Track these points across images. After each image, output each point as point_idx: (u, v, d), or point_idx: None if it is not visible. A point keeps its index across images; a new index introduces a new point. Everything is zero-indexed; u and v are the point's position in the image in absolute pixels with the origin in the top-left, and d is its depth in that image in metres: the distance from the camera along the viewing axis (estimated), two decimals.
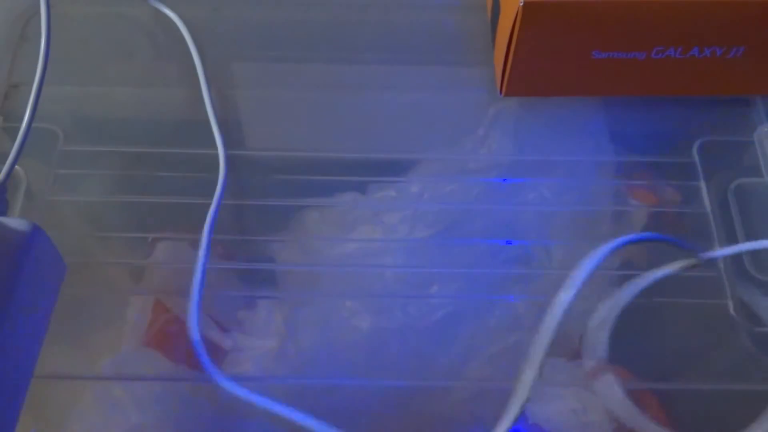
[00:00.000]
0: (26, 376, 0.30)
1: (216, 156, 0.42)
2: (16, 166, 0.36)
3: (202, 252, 0.37)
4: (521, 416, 0.31)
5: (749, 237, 0.39)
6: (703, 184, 0.41)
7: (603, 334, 0.33)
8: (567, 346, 0.37)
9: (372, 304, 0.38)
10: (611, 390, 0.33)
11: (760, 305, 0.36)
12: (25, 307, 0.29)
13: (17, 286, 0.29)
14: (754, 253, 0.39)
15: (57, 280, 0.32)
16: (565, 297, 0.29)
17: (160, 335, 0.37)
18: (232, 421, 0.36)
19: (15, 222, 0.30)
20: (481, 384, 0.36)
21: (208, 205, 0.40)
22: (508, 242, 0.39)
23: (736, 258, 0.39)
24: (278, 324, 0.37)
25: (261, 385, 0.36)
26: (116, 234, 0.40)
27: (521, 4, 0.37)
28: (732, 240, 0.39)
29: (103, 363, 0.36)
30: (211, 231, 0.38)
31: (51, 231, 0.31)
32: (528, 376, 0.30)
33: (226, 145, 0.42)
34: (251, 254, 0.39)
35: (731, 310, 0.37)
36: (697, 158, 0.42)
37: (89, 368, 0.36)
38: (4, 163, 0.36)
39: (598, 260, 0.30)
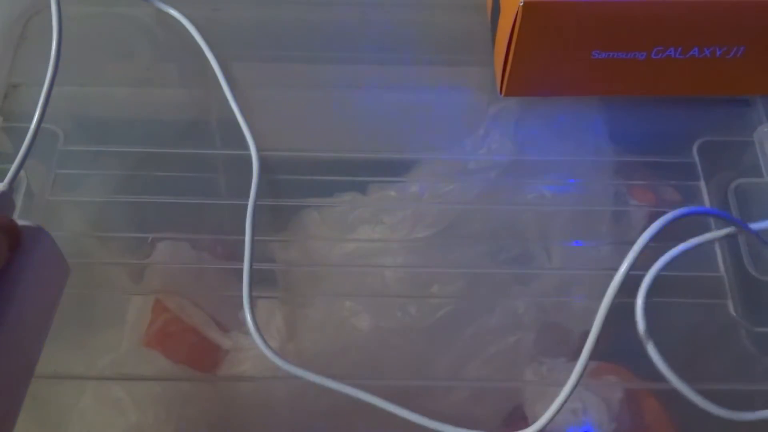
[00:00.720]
0: (27, 375, 0.30)
1: (215, 156, 0.42)
2: None
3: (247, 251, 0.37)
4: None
5: (749, 237, 0.39)
6: (703, 184, 0.41)
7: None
8: (567, 346, 0.37)
9: (372, 304, 0.38)
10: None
11: None
12: (28, 307, 0.29)
13: (20, 286, 0.29)
14: (755, 253, 0.39)
15: (60, 281, 0.32)
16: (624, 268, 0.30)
17: (160, 335, 0.37)
18: (232, 421, 0.36)
19: (20, 223, 0.30)
20: (481, 384, 0.36)
21: (208, 205, 0.40)
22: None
23: (737, 258, 0.39)
24: (278, 324, 0.37)
25: (261, 385, 0.36)
26: (116, 234, 0.40)
27: (521, 4, 0.37)
28: (732, 240, 0.39)
29: (103, 363, 0.36)
30: (253, 229, 0.38)
31: (51, 231, 0.31)
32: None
33: (226, 145, 0.42)
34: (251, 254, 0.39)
35: (731, 310, 0.37)
36: (697, 158, 0.42)
37: (89, 368, 0.36)
38: (3, 162, 0.36)
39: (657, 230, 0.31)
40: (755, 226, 0.34)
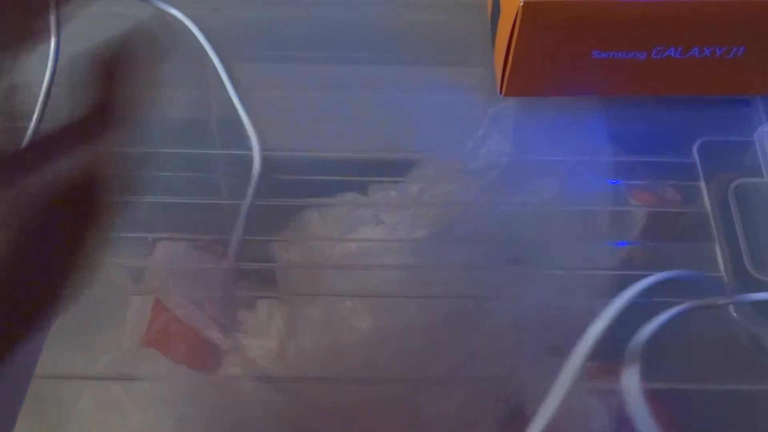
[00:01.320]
0: (27, 375, 0.30)
1: (216, 156, 0.42)
2: None
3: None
4: None
5: (749, 237, 0.39)
6: (703, 184, 0.41)
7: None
8: (567, 346, 0.37)
9: (372, 304, 0.38)
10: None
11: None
12: None
13: None
14: (755, 253, 0.39)
15: None
16: (595, 329, 0.30)
17: (160, 335, 0.37)
18: (231, 420, 0.36)
19: None
20: (481, 384, 0.36)
21: (208, 205, 0.40)
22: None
23: (736, 258, 0.39)
24: (278, 324, 0.37)
25: (261, 385, 0.36)
26: (116, 234, 0.40)
27: (521, 4, 0.37)
28: (732, 240, 0.39)
29: (103, 363, 0.36)
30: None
31: None
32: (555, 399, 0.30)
33: (226, 145, 0.42)
34: (251, 254, 0.39)
35: (731, 311, 0.37)
36: (697, 158, 0.42)
37: (89, 368, 0.36)
38: None
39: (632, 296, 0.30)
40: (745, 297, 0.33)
